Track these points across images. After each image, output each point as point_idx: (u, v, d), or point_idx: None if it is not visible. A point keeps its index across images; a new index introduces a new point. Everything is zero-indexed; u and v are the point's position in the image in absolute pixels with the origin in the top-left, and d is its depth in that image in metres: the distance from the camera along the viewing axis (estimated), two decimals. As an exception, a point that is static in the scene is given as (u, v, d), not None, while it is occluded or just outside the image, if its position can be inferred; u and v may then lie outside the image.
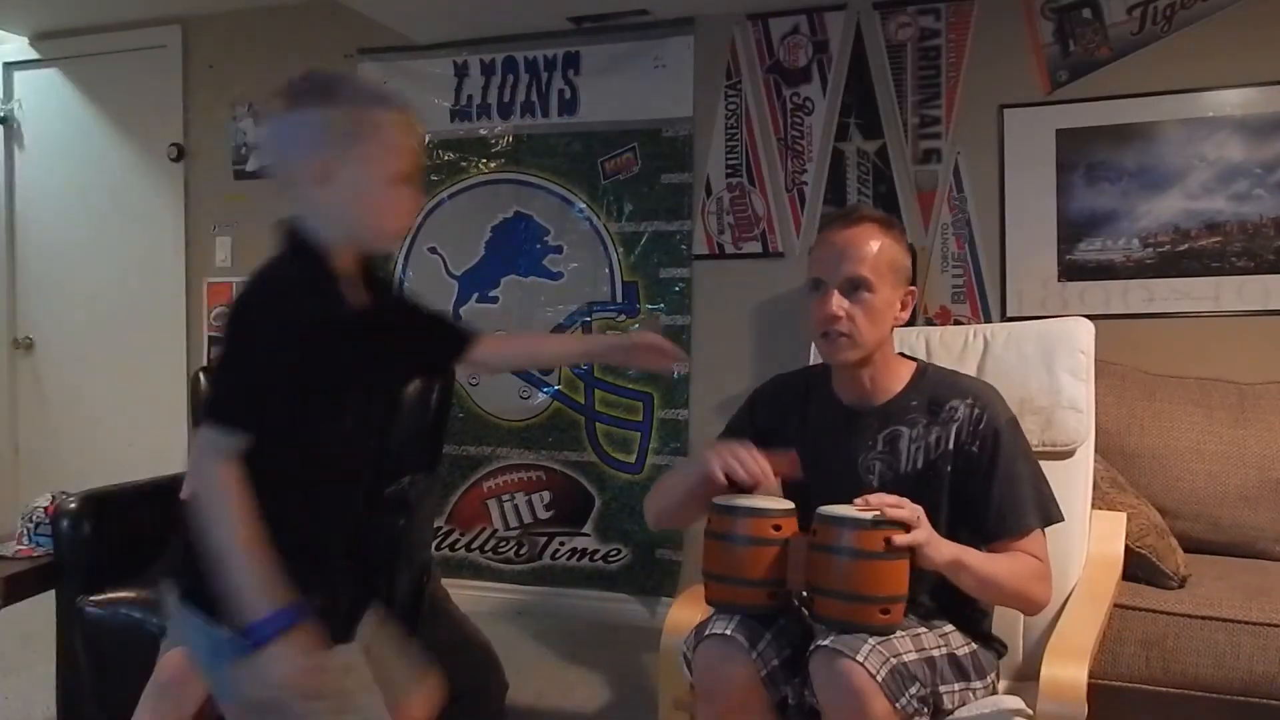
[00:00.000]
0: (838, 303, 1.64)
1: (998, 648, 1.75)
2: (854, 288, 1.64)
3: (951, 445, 1.67)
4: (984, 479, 1.65)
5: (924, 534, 1.48)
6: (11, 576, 2.26)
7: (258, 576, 1.25)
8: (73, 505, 2.28)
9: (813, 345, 2.20)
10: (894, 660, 1.44)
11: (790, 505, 1.58)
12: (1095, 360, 2.08)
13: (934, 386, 1.73)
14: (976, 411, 1.68)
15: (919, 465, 1.68)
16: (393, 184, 1.37)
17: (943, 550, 1.51)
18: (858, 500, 1.50)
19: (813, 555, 1.50)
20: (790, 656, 1.54)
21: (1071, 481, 2.01)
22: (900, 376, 1.74)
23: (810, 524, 1.53)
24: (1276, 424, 2.59)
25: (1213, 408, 2.65)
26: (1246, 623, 2.11)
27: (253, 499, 1.27)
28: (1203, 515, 2.56)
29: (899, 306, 1.70)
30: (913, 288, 1.73)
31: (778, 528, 1.54)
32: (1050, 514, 1.68)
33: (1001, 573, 1.60)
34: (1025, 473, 1.67)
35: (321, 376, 1.34)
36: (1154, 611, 2.17)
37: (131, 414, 4.14)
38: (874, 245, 1.65)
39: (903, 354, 1.79)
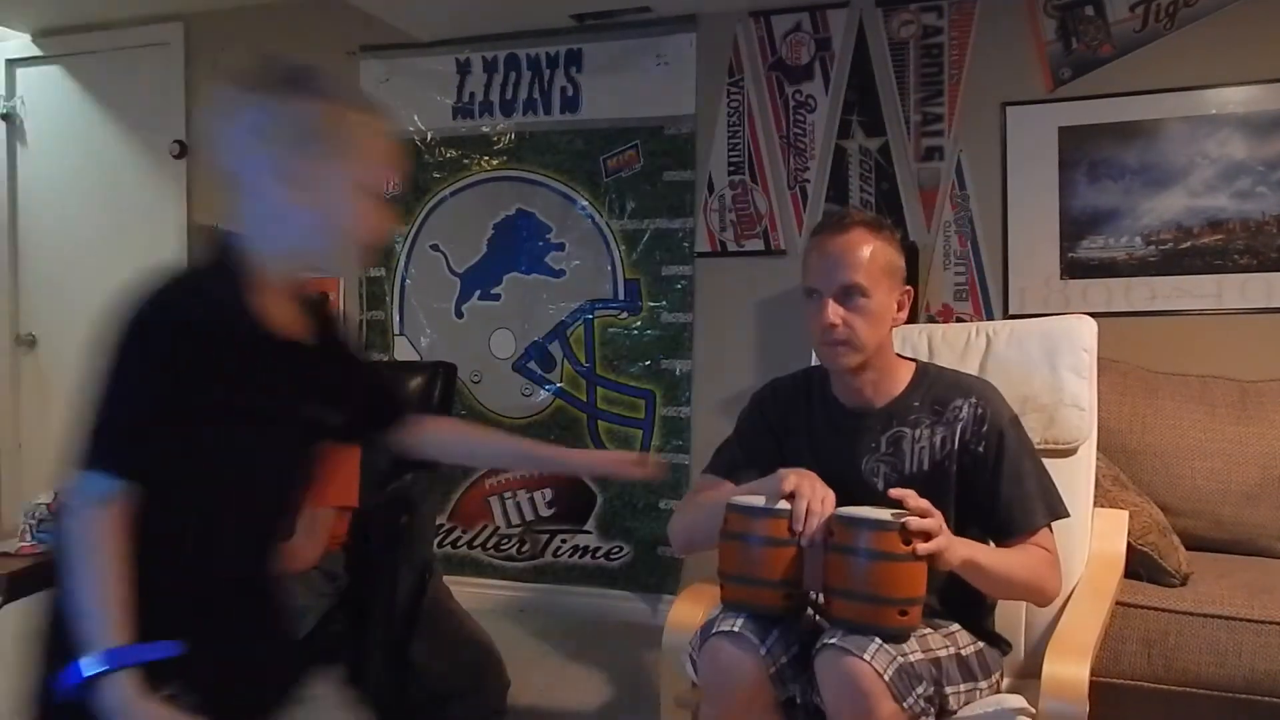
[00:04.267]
0: (834, 311, 1.64)
1: (1002, 646, 1.75)
2: (849, 295, 1.64)
3: (956, 445, 1.67)
4: (990, 478, 1.65)
5: (945, 540, 1.48)
6: (14, 573, 2.26)
7: (102, 623, 1.12)
8: (75, 502, 2.27)
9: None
10: (901, 660, 1.44)
11: None
12: (1098, 358, 2.08)
13: (935, 386, 1.73)
14: (980, 410, 1.68)
15: (924, 466, 1.68)
16: (367, 194, 1.23)
17: (958, 551, 1.50)
18: (891, 492, 1.50)
19: (830, 556, 1.50)
20: (798, 654, 1.53)
21: (1074, 479, 2.00)
22: (900, 378, 1.74)
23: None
24: (1279, 421, 2.59)
25: (1215, 405, 2.65)
26: (1249, 620, 2.11)
27: (130, 543, 1.14)
28: (1205, 513, 2.55)
29: (896, 307, 1.69)
30: (909, 287, 1.73)
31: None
32: (1056, 510, 1.69)
33: (1013, 567, 1.61)
34: (1030, 470, 1.68)
35: (220, 401, 1.19)
36: (1156, 609, 2.17)
37: (134, 411, 4.14)
38: (867, 250, 1.65)
39: (900, 355, 1.79)
